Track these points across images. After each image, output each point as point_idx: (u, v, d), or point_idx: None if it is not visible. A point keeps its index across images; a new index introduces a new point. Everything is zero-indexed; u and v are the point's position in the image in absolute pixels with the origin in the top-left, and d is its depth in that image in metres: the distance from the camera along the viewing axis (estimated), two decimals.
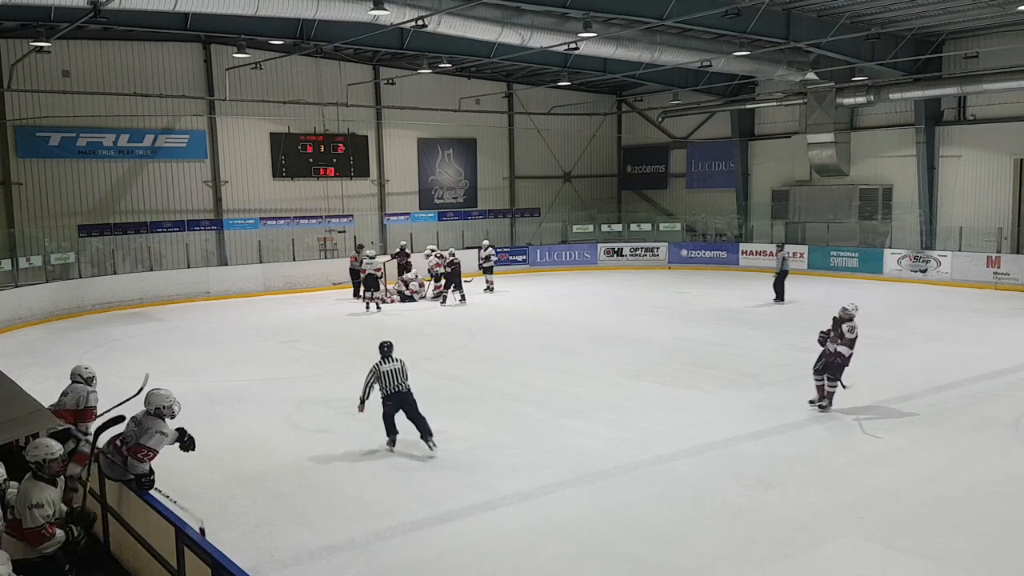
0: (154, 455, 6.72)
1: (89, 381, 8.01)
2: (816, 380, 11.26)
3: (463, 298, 21.53)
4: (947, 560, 6.94)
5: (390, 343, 10.12)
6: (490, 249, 24.26)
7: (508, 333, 17.81)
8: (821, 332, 11.20)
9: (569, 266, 29.35)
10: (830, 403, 11.18)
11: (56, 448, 5.73)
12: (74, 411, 7.77)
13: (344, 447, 10.21)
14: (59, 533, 5.70)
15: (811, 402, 11.33)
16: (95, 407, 7.91)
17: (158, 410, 6.83)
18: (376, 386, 9.80)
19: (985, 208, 23.97)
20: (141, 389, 7.03)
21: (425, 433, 9.82)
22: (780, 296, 20.85)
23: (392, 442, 9.98)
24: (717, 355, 14.88)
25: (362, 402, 9.83)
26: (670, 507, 8.11)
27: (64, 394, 7.91)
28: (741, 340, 16.20)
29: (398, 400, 9.83)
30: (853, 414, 11.06)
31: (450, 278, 21.52)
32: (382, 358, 9.97)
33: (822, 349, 11.12)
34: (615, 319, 19.16)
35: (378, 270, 21.08)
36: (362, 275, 21.34)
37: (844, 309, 11.02)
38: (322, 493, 8.72)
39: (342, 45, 22.47)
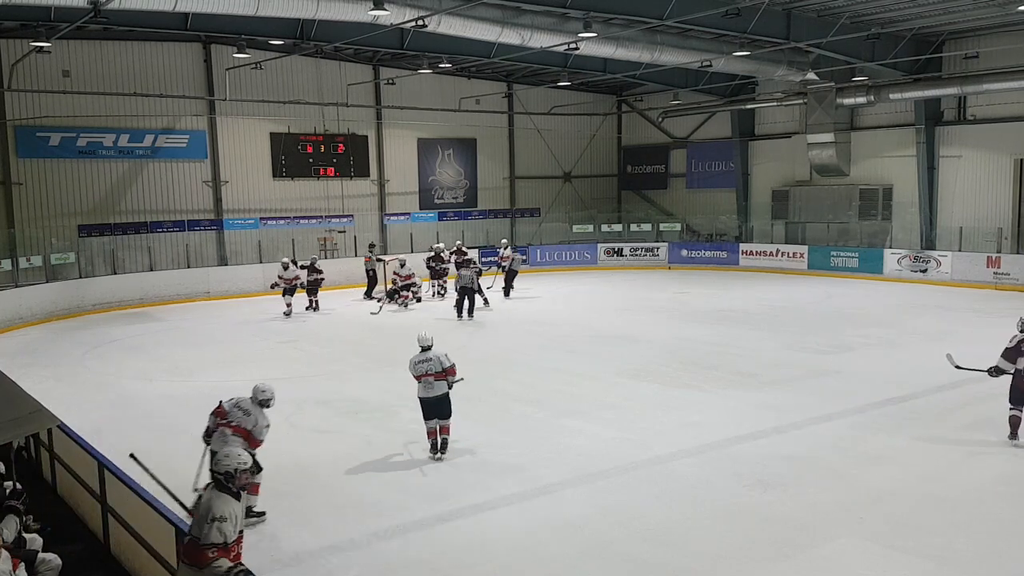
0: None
1: (266, 404, 8.11)
2: (1012, 410, 9.69)
3: (486, 302, 20.80)
4: (947, 560, 6.94)
5: (469, 260, 20.70)
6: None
7: (508, 333, 17.81)
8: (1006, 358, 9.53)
9: (569, 266, 29.35)
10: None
11: (247, 458, 5.38)
12: (246, 433, 7.90)
13: (344, 447, 10.22)
14: (224, 563, 5.06)
15: (1011, 437, 9.66)
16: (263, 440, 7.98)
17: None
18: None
19: (985, 208, 23.96)
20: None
21: (470, 311, 18.99)
22: (507, 293, 22.68)
23: (459, 317, 18.92)
24: (717, 355, 14.88)
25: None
26: (670, 507, 8.11)
27: (237, 406, 8.07)
28: (741, 340, 16.20)
29: (465, 292, 18.93)
30: (853, 414, 11.07)
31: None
32: (461, 267, 19.59)
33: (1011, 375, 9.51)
34: (615, 319, 19.16)
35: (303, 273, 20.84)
36: (289, 283, 20.37)
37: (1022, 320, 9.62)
38: (322, 493, 8.73)
39: (342, 45, 22.47)
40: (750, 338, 16.40)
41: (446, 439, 9.69)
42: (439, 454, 9.58)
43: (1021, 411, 9.60)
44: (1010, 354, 9.59)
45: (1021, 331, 9.56)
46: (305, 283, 20.93)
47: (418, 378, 9.68)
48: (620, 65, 24.42)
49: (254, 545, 7.42)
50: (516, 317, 19.72)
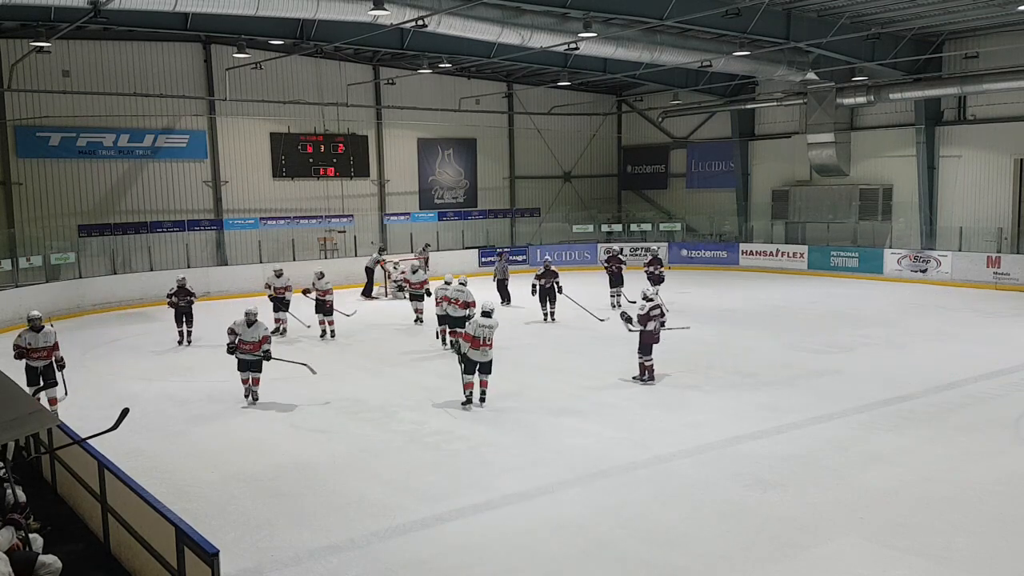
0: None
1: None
2: (641, 359, 12.90)
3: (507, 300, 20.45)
4: (947, 560, 6.94)
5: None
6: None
7: (507, 333, 17.75)
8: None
9: (569, 266, 29.29)
10: (650, 376, 12.80)
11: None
12: (465, 303, 14.70)
13: (344, 447, 10.22)
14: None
15: (633, 378, 12.91)
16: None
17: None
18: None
19: (985, 208, 23.97)
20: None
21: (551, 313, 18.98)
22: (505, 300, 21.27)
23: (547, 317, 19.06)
24: (717, 355, 14.89)
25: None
26: (670, 507, 8.11)
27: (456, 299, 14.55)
28: (741, 340, 16.20)
29: (544, 289, 18.68)
30: (853, 414, 11.07)
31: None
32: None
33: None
34: (615, 319, 19.10)
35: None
36: (37, 355, 11.78)
37: (643, 293, 13.08)
38: (322, 493, 8.72)
39: (342, 45, 22.47)
40: (750, 338, 16.40)
41: None
42: None
43: (644, 359, 12.79)
44: (642, 319, 12.65)
45: (646, 300, 12.83)
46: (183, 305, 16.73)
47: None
48: (620, 65, 24.43)
49: (254, 545, 7.44)
50: (515, 317, 19.69)
